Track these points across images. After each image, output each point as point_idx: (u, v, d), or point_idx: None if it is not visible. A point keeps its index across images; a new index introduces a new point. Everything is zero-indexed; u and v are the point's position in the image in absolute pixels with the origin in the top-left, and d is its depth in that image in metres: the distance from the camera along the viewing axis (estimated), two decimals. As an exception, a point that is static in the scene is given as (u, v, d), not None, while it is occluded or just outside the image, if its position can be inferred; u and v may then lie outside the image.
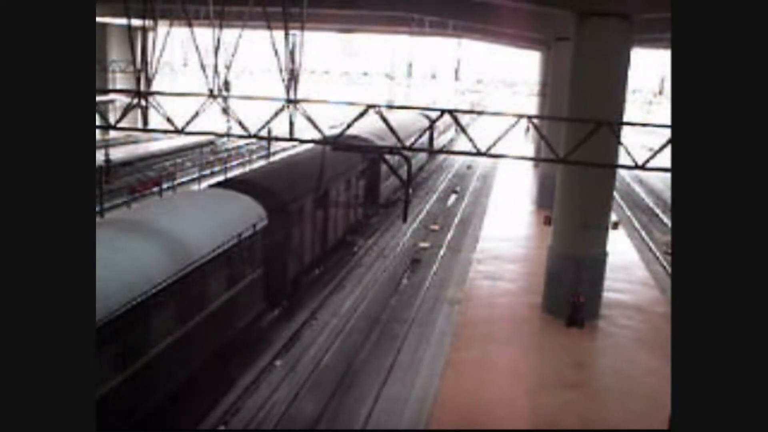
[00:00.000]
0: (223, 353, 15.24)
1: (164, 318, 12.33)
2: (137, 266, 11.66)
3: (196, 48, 15.94)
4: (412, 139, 30.17)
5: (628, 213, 37.96)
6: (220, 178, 24.79)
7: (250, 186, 17.66)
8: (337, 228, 24.24)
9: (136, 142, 50.09)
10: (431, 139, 34.28)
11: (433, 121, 13.07)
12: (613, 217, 24.71)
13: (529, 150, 51.98)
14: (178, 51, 49.84)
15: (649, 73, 50.75)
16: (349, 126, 14.15)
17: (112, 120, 14.29)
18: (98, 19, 48.42)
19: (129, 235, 12.51)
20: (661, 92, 50.89)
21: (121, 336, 10.83)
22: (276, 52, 13.87)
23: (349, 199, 25.50)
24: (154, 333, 12.00)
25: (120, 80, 53.03)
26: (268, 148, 46.56)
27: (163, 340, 12.29)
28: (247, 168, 36.11)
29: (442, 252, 27.78)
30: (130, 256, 11.75)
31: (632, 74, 19.43)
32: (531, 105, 54.98)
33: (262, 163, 37.23)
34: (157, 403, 12.29)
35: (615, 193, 24.62)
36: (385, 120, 14.09)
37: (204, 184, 32.82)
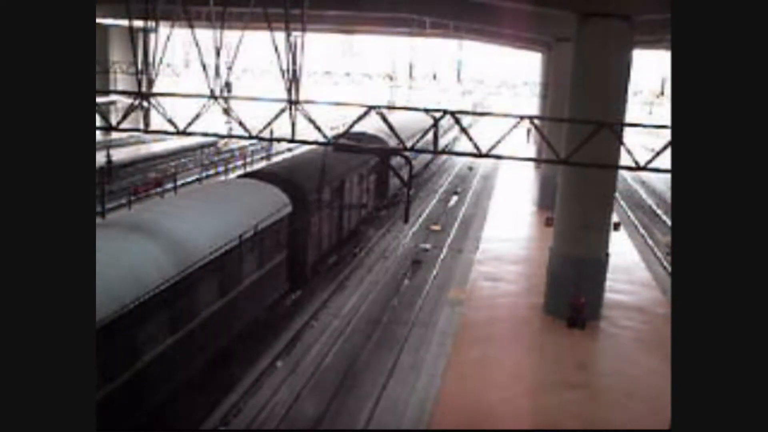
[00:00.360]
0: (253, 324, 16.94)
1: (209, 288, 13.96)
2: (193, 240, 13.55)
3: (198, 49, 15.96)
4: (415, 139, 30.48)
5: (630, 214, 37.95)
6: (222, 178, 25.01)
7: (275, 177, 19.08)
8: (350, 218, 25.78)
9: (138, 143, 50.12)
10: (436, 137, 35.68)
11: (437, 120, 13.05)
12: (615, 218, 24.72)
13: (531, 152, 51.99)
14: (179, 52, 49.91)
15: (650, 74, 50.73)
16: (351, 127, 14.17)
17: (113, 121, 14.30)
18: (100, 21, 48.44)
19: (183, 215, 14.40)
20: (662, 93, 50.86)
21: (176, 301, 12.53)
22: (277, 53, 13.87)
23: (361, 191, 26.54)
24: (200, 301, 13.63)
25: (121, 81, 53.07)
26: (269, 149, 46.59)
27: (206, 309, 13.90)
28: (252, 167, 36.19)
29: (443, 253, 27.79)
30: (188, 232, 13.69)
31: (633, 75, 19.44)
32: (532, 106, 54.96)
33: (263, 163, 37.27)
34: (203, 362, 14.20)
35: (616, 194, 24.61)
36: (386, 121, 14.11)
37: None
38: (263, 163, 38.26)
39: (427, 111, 14.30)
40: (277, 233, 17.48)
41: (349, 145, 24.04)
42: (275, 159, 37.31)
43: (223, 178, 26.51)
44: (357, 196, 26.18)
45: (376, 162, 28.37)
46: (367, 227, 27.26)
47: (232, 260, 14.73)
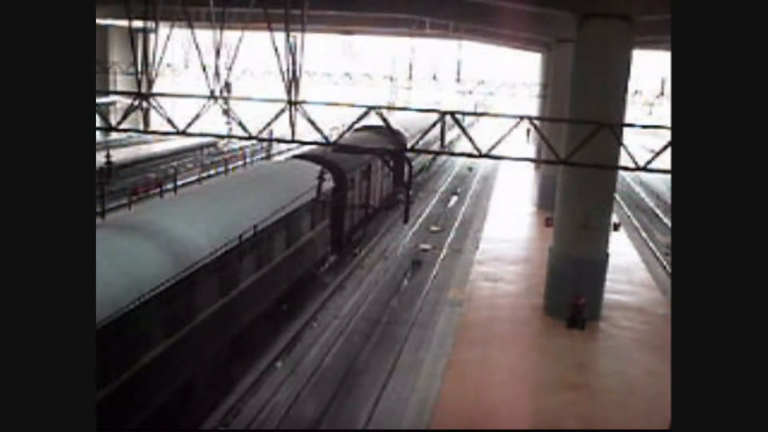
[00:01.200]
0: (302, 279, 20.28)
1: (278, 241, 17.47)
2: (270, 202, 16.95)
3: (197, 49, 15.95)
4: (415, 140, 31.04)
5: (629, 214, 37.96)
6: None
7: (318, 158, 22.71)
8: (376, 195, 29.47)
9: (138, 143, 50.14)
10: (443, 134, 37.99)
11: (443, 113, 13.05)
12: (614, 219, 24.71)
13: (530, 152, 52.01)
14: (179, 52, 49.86)
15: (650, 74, 50.75)
16: (350, 127, 14.17)
17: (113, 121, 14.30)
18: (99, 21, 48.42)
19: (258, 187, 17.90)
20: (662, 93, 50.88)
21: (261, 244, 16.23)
22: (277, 54, 13.87)
23: (383, 176, 29.48)
24: (275, 250, 17.27)
25: (121, 82, 53.08)
26: (269, 150, 46.58)
27: (275, 258, 17.35)
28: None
29: (443, 253, 27.79)
30: (269, 196, 17.37)
31: (633, 76, 19.44)
32: (532, 106, 54.97)
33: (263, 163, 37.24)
34: (280, 294, 18.14)
35: (616, 195, 24.62)
36: (385, 121, 14.11)
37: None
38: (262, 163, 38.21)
39: (426, 111, 14.30)
40: (324, 203, 21.14)
41: (349, 146, 24.21)
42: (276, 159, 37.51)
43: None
44: (380, 179, 29.47)
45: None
46: (388, 207, 29.22)
47: (296, 219, 18.51)
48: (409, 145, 33.82)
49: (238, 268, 15.01)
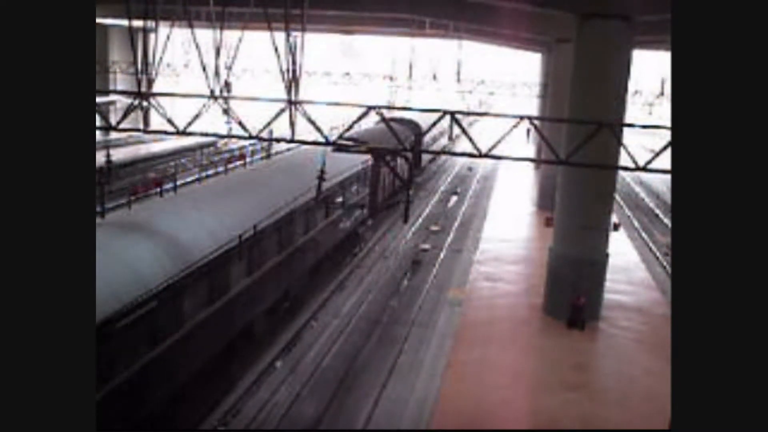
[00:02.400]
0: (349, 234, 25.63)
1: (332, 203, 21.87)
2: (331, 171, 19.63)
3: (197, 49, 15.95)
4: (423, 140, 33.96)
5: (629, 214, 37.96)
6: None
7: (357, 140, 26.90)
8: (402, 172, 34.07)
9: (138, 142, 50.13)
10: (452, 129, 44.62)
11: (443, 113, 13.05)
12: (614, 219, 24.68)
13: (530, 152, 52.00)
14: (179, 52, 49.85)
15: (650, 74, 50.73)
16: (350, 127, 14.17)
17: (113, 121, 14.30)
18: (100, 20, 48.42)
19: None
20: (662, 94, 50.87)
21: (328, 203, 21.36)
22: (277, 53, 13.87)
23: (405, 158, 32.52)
24: (328, 210, 21.65)
25: (121, 81, 53.08)
26: (269, 149, 46.53)
27: (327, 218, 21.52)
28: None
29: (442, 253, 27.80)
30: (329, 167, 19.15)
31: (633, 76, 19.44)
32: (532, 106, 54.96)
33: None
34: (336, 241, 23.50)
35: (616, 195, 24.61)
36: (385, 121, 14.11)
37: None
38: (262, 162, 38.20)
39: (426, 111, 14.31)
40: (366, 174, 26.29)
41: (349, 145, 24.25)
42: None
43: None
44: (402, 161, 33.43)
45: (414, 138, 37.27)
46: (408, 184, 31.06)
47: (349, 184, 23.32)
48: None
49: (315, 215, 20.41)
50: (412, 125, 39.44)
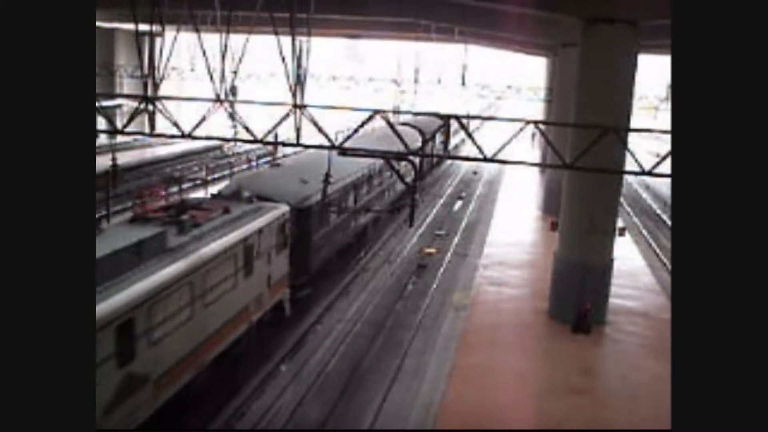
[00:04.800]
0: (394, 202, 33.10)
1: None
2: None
3: (203, 53, 16.01)
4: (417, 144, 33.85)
5: (635, 219, 37.88)
6: (227, 181, 25.59)
7: (410, 126, 34.39)
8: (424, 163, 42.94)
9: (144, 146, 50.29)
10: (448, 137, 51.24)
11: (448, 117, 13.07)
12: (620, 223, 24.66)
13: (536, 156, 51.94)
14: (185, 56, 50.05)
15: (655, 79, 50.67)
16: (356, 131, 14.20)
17: (119, 125, 14.35)
18: (106, 24, 48.66)
19: (380, 141, 27.27)
20: (667, 98, 50.77)
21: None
22: (283, 58, 13.91)
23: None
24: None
25: (127, 85, 53.27)
26: (274, 153, 46.65)
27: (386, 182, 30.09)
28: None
29: (447, 257, 27.78)
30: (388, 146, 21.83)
31: (638, 80, 19.41)
32: (537, 111, 54.93)
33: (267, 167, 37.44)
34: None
35: (621, 199, 24.57)
36: (390, 125, 14.13)
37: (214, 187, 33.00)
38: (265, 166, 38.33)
39: (431, 115, 14.31)
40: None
41: (355, 149, 24.28)
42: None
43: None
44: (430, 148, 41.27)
45: (425, 138, 39.48)
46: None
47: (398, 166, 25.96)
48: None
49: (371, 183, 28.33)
50: (419, 129, 41.17)
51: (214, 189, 23.74)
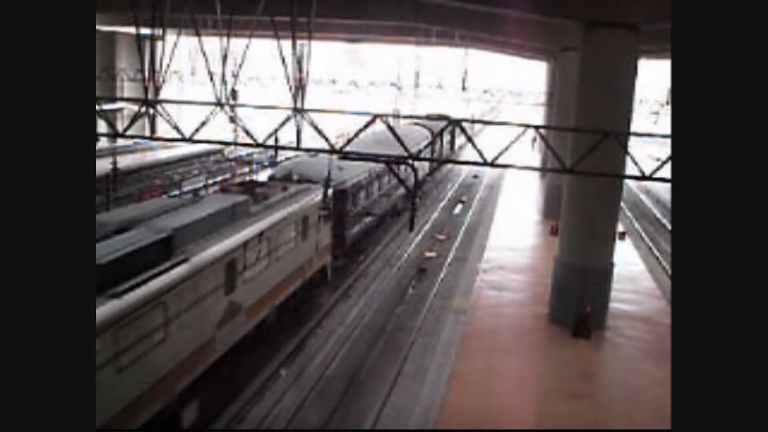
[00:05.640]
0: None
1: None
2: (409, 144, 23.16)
3: (204, 57, 16.03)
4: (421, 146, 33.87)
5: (635, 223, 37.86)
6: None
7: (425, 124, 35.70)
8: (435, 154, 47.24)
9: (145, 149, 50.32)
10: (453, 136, 54.34)
11: (449, 121, 13.07)
12: (620, 228, 24.65)
13: (536, 160, 51.96)
14: (186, 60, 50.12)
15: (656, 83, 50.72)
16: (356, 135, 14.20)
17: (120, 128, 14.35)
18: (107, 28, 48.73)
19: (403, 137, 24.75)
20: (667, 103, 50.80)
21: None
22: (283, 62, 13.93)
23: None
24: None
25: (128, 88, 53.33)
26: (275, 157, 46.69)
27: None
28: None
29: (448, 261, 27.77)
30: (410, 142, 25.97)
31: (639, 84, 19.43)
32: (538, 115, 54.95)
33: (269, 171, 37.53)
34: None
35: (622, 204, 24.57)
36: (391, 129, 14.13)
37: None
38: (268, 170, 38.40)
39: (432, 119, 14.35)
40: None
41: (356, 153, 24.35)
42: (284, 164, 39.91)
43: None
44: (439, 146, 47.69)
45: (431, 138, 40.07)
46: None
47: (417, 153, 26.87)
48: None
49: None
50: (429, 128, 44.96)
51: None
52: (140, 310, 11.06)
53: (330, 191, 21.51)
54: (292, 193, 19.24)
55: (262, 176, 35.43)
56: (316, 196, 20.41)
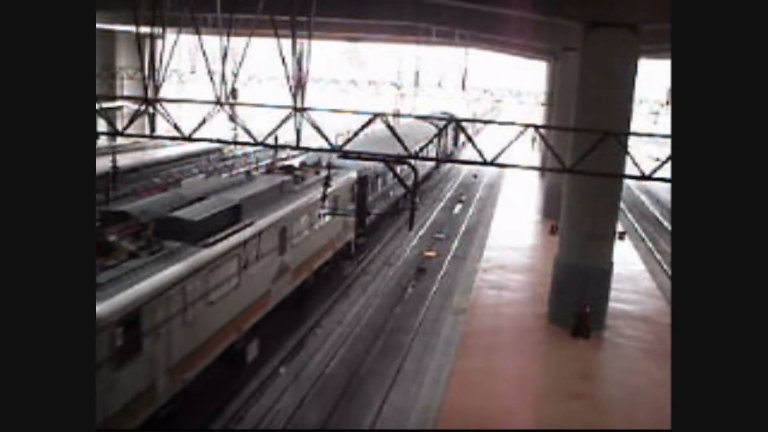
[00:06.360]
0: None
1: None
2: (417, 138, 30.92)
3: (204, 55, 16.01)
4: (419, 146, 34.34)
5: (635, 223, 37.86)
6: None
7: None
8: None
9: (143, 148, 50.30)
10: (458, 133, 59.60)
11: (448, 121, 13.06)
12: (620, 228, 24.65)
13: (536, 160, 51.96)
14: (185, 58, 50.06)
15: (656, 83, 50.70)
16: (356, 134, 14.19)
17: (119, 126, 14.35)
18: (107, 27, 48.68)
19: (411, 130, 34.53)
20: (667, 102, 50.77)
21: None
22: (283, 61, 13.91)
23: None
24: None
25: (128, 87, 53.29)
26: (275, 156, 46.67)
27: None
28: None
29: (447, 261, 27.77)
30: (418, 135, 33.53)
31: (639, 84, 19.42)
32: (538, 114, 54.95)
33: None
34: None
35: (621, 204, 24.57)
36: (391, 129, 14.12)
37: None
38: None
39: (431, 118, 14.32)
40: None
41: (356, 152, 24.43)
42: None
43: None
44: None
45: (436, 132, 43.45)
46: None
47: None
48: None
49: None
50: (435, 124, 46.74)
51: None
52: (224, 257, 14.00)
53: (354, 176, 24.78)
54: (325, 176, 21.34)
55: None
56: (346, 179, 23.80)
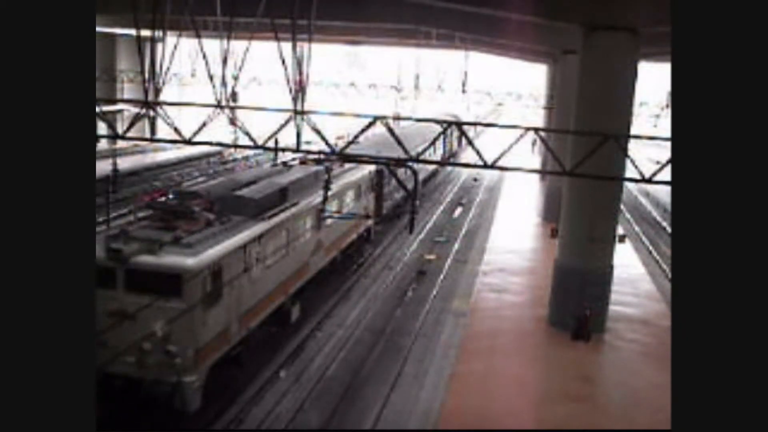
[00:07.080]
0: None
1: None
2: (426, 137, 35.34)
3: (205, 58, 16.03)
4: (422, 148, 34.54)
5: (635, 226, 37.85)
6: None
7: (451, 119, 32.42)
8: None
9: (143, 151, 50.33)
10: (461, 134, 61.23)
11: (448, 124, 13.07)
12: (620, 231, 24.63)
13: (536, 163, 51.97)
14: (186, 61, 50.12)
15: (656, 86, 50.71)
16: (356, 137, 14.20)
17: (120, 130, 14.36)
18: (107, 30, 48.70)
19: (420, 130, 38.84)
20: (667, 106, 50.79)
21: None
22: (284, 63, 13.92)
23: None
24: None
25: (128, 90, 53.32)
26: (275, 159, 46.67)
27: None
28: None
29: (447, 264, 27.76)
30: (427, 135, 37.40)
31: (639, 87, 19.42)
32: (538, 118, 54.96)
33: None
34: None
35: (621, 207, 24.56)
36: (391, 132, 14.13)
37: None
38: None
39: (431, 121, 14.33)
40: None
41: (354, 155, 24.44)
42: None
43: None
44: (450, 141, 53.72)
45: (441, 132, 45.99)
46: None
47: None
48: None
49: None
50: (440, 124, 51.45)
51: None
52: (277, 228, 16.86)
53: (373, 170, 27.34)
54: (350, 167, 24.83)
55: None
56: (367, 171, 26.63)
